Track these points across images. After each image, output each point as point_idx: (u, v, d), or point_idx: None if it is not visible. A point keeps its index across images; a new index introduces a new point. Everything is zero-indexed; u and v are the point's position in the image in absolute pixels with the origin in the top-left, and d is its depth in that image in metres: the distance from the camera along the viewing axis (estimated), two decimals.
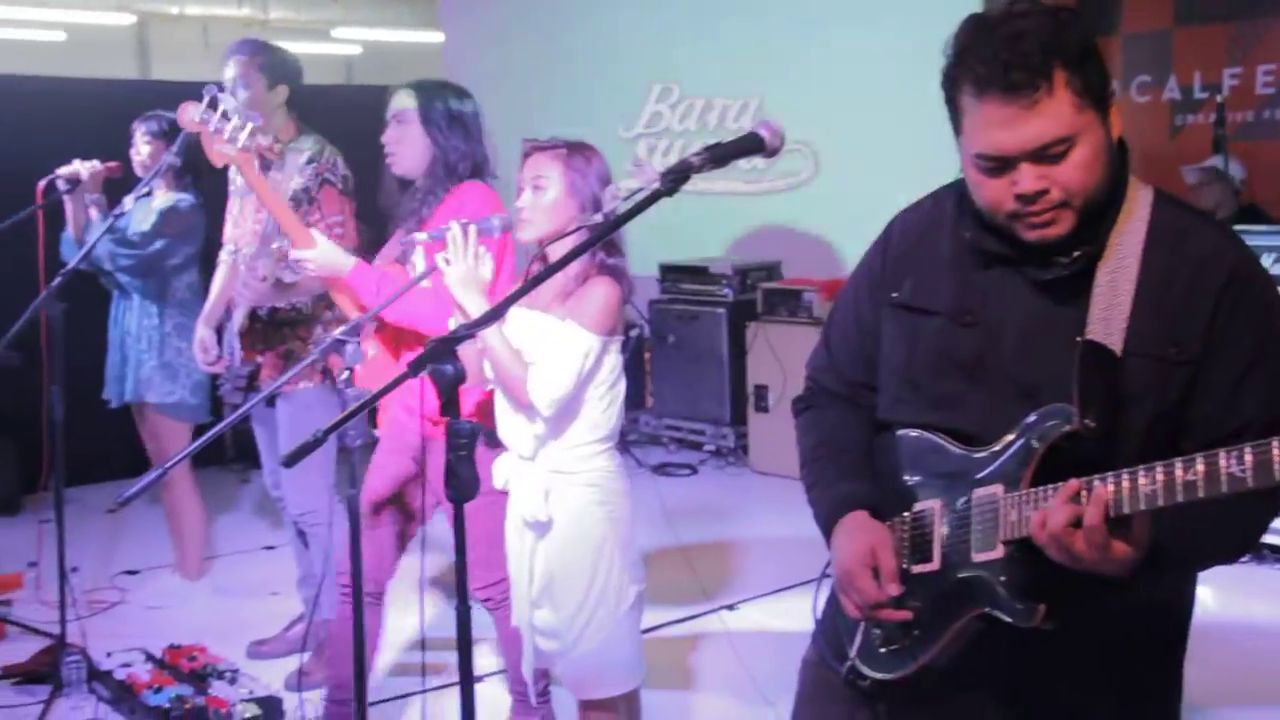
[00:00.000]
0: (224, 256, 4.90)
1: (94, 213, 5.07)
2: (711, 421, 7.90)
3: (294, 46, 11.98)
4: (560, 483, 3.31)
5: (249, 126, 3.71)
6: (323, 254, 3.70)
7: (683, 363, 7.98)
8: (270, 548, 6.17)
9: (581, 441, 3.32)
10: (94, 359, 5.44)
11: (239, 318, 4.61)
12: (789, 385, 7.16)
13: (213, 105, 3.69)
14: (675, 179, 2.14)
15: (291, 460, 2.56)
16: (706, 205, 7.72)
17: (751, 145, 2.18)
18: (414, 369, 2.34)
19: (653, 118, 8.74)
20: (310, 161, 4.56)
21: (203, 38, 12.62)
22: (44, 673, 4.60)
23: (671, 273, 8.11)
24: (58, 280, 4.31)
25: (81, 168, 4.92)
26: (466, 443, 2.35)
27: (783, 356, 7.26)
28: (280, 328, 4.61)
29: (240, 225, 4.75)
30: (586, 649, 3.35)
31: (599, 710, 3.46)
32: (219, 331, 4.83)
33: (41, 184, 4.80)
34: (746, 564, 5.89)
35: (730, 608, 5.28)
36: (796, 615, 5.00)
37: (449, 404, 2.35)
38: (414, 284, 3.40)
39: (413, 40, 12.72)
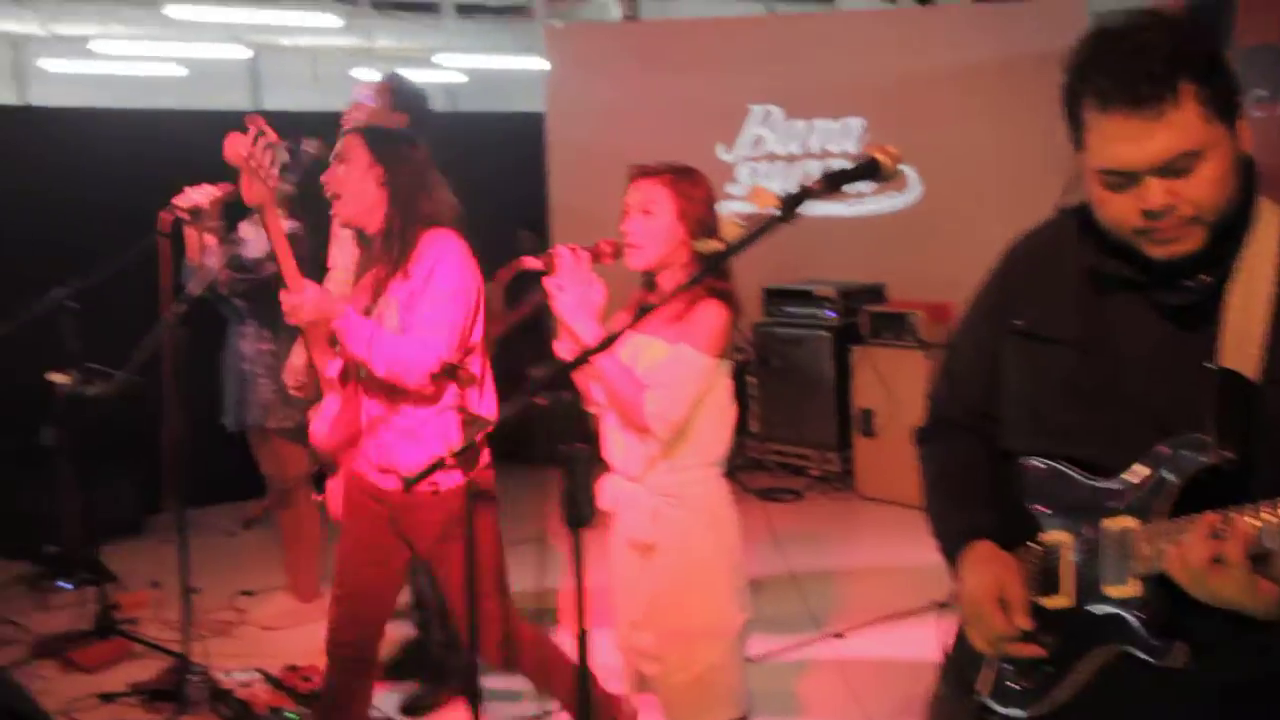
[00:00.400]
0: (336, 282, 4.99)
1: (212, 240, 5.18)
2: (816, 446, 7.86)
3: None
4: (668, 506, 3.30)
5: (279, 164, 3.77)
6: (312, 300, 3.66)
7: (787, 387, 7.94)
8: None
9: (691, 465, 3.31)
10: (210, 383, 5.54)
11: None
12: (895, 409, 7.11)
13: (259, 139, 3.75)
14: (793, 206, 2.13)
15: (412, 483, 2.61)
16: (809, 228, 7.65)
17: (867, 170, 2.16)
18: (532, 394, 2.36)
19: (754, 140, 8.72)
20: None
21: (312, 68, 12.82)
22: (169, 690, 4.69)
23: (775, 296, 8.08)
24: (179, 307, 4.42)
25: (200, 197, 5.04)
26: (584, 469, 2.37)
27: (888, 380, 7.21)
28: None
29: (345, 251, 4.84)
30: (689, 676, 3.33)
31: None
32: None
33: (163, 214, 4.92)
34: (855, 591, 5.84)
35: (839, 635, 5.23)
36: (907, 644, 4.98)
37: (568, 431, 2.37)
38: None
39: (515, 67, 12.82)
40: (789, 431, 7.96)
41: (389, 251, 3.72)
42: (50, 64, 11.91)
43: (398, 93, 4.81)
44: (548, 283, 3.25)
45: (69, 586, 6.04)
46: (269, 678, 4.67)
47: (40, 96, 11.97)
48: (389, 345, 3.58)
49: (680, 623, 3.33)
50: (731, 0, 11.14)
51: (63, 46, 11.41)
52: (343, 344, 3.65)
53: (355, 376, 3.76)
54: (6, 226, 6.90)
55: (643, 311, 2.48)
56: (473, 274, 3.76)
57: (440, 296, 3.65)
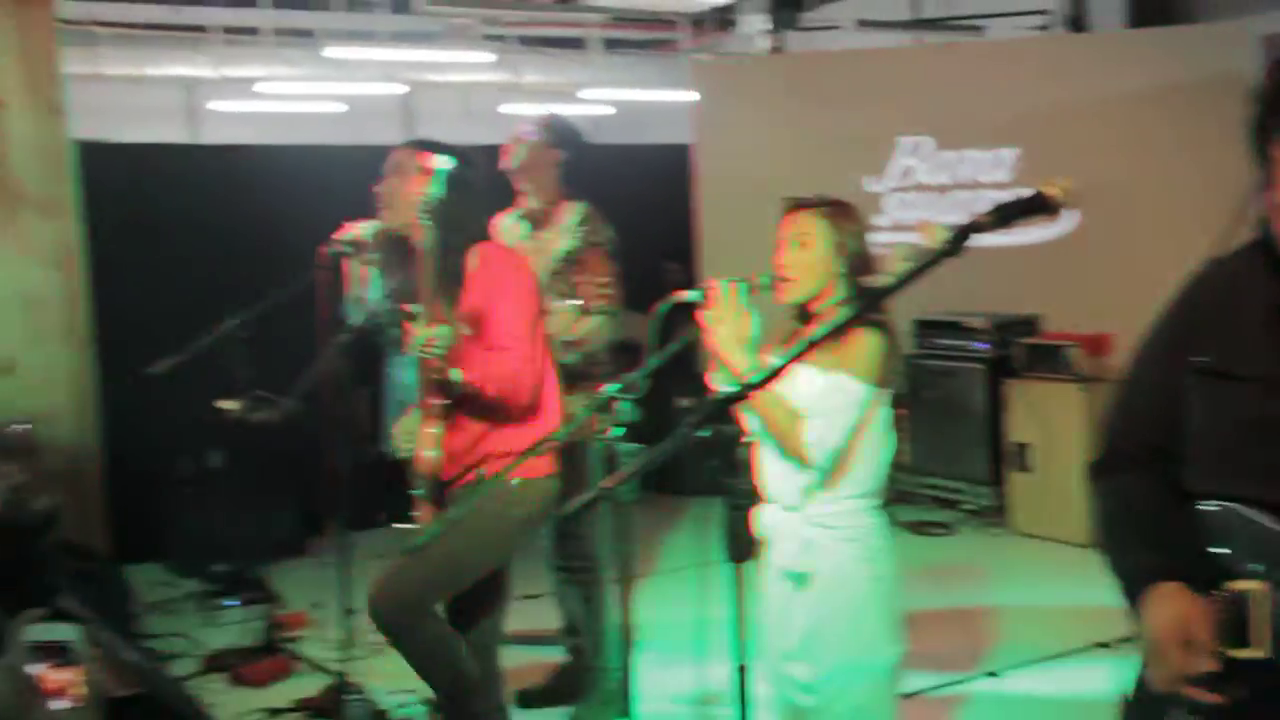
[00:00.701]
0: None
1: (370, 272, 5.31)
2: (969, 480, 7.76)
3: (546, 108, 12.30)
4: (823, 536, 3.28)
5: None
6: (445, 336, 3.73)
7: (938, 419, 7.85)
8: (531, 596, 6.29)
9: (847, 495, 3.29)
10: (370, 411, 5.66)
11: None
12: (1051, 444, 7.00)
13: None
14: (961, 240, 2.12)
15: (573, 514, 2.65)
16: (962, 258, 7.60)
17: (1038, 204, 2.14)
18: (695, 428, 2.37)
19: (903, 172, 8.68)
20: (580, 224, 4.77)
21: (463, 103, 13.08)
22: (330, 708, 4.81)
23: (926, 328, 8.01)
24: (341, 338, 4.55)
25: (358, 230, 5.18)
26: (746, 503, 2.39)
27: (1043, 414, 7.10)
28: None
29: None
30: (842, 708, 3.31)
31: None
32: None
33: (321, 248, 5.07)
34: (1011, 629, 5.72)
35: (994, 674, 5.14)
36: (1065, 685, 4.90)
37: (729, 464, 2.39)
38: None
39: (661, 100, 12.92)
40: (940, 464, 7.87)
41: (440, 265, 3.80)
42: (219, 104, 12.33)
43: (556, 129, 4.95)
44: (703, 315, 3.28)
45: (236, 604, 6.25)
46: (423, 700, 4.75)
47: (210, 135, 12.42)
48: (494, 365, 3.70)
49: (834, 655, 3.31)
50: (879, 32, 11.08)
51: (231, 88, 11.82)
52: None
53: (462, 402, 3.84)
54: (180, 258, 7.16)
55: (807, 344, 2.48)
56: (535, 291, 3.88)
57: (509, 310, 3.77)
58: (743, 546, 2.37)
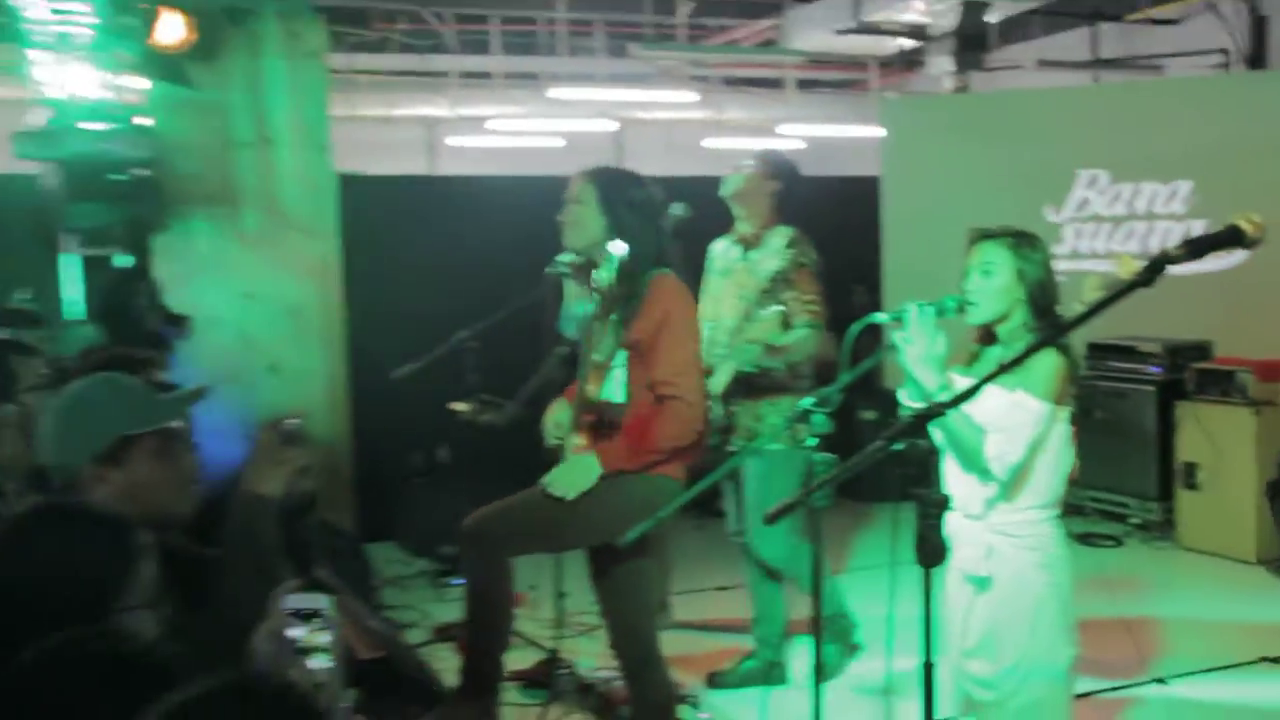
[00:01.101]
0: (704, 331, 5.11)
1: (586, 290, 5.39)
2: (1137, 495, 7.50)
3: (743, 142, 12.32)
4: (1004, 544, 3.25)
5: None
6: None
7: (1108, 437, 7.58)
8: (723, 588, 6.30)
9: (1027, 506, 3.25)
10: None
11: (721, 379, 4.79)
12: (1221, 464, 6.73)
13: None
14: (1155, 271, 2.07)
15: (774, 518, 2.65)
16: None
17: (1231, 238, 2.07)
18: (890, 441, 2.37)
19: (1080, 203, 8.45)
20: (789, 246, 4.82)
21: (667, 138, 13.18)
22: (542, 680, 4.89)
23: (1100, 351, 7.75)
24: (562, 349, 4.63)
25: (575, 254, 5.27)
26: (936, 512, 2.36)
27: (1213, 435, 6.81)
28: (757, 391, 4.77)
29: (720, 302, 4.97)
30: (1020, 704, 3.26)
31: None
32: None
33: (548, 270, 5.16)
34: (1178, 640, 5.49)
35: (1161, 681, 4.96)
36: (1233, 695, 4.71)
37: (921, 475, 2.37)
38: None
39: (851, 135, 12.82)
40: (1109, 479, 7.61)
41: (617, 289, 3.70)
42: (455, 140, 12.66)
43: (773, 163, 5.01)
44: (897, 336, 3.26)
45: (461, 583, 6.37)
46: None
47: (446, 167, 12.76)
48: (665, 419, 3.64)
49: (1012, 654, 3.27)
50: (1058, 70, 10.82)
51: (465, 125, 12.14)
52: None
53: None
54: (421, 276, 7.35)
55: (998, 367, 2.45)
56: (695, 315, 3.82)
57: (678, 342, 3.68)
58: (933, 552, 2.35)
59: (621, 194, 3.78)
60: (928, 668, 2.47)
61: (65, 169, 5.96)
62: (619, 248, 3.64)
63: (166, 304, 6.17)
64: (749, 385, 4.81)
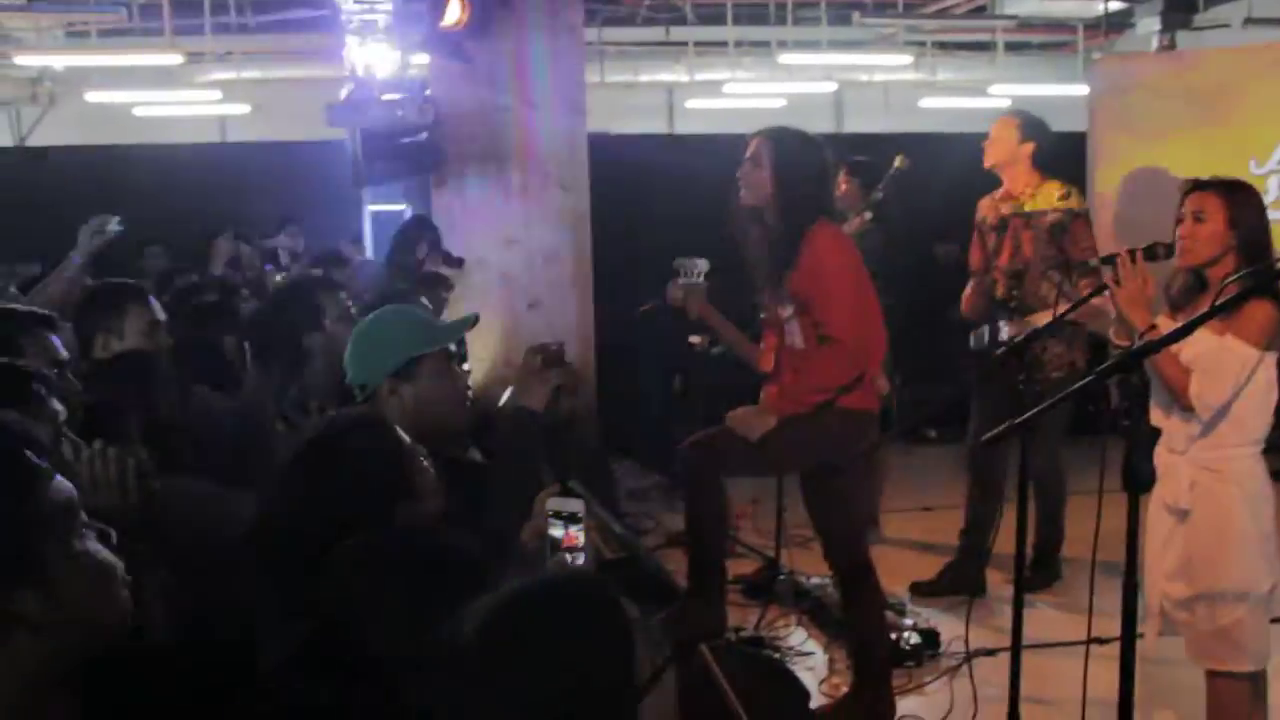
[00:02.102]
0: (971, 281, 5.06)
1: None
2: None
3: (953, 102, 11.85)
4: (1207, 478, 3.10)
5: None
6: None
7: None
8: (927, 509, 6.17)
9: (1231, 443, 3.09)
10: None
11: (1008, 329, 4.67)
12: None
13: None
14: None
15: (992, 441, 2.55)
16: None
17: None
18: (1102, 376, 2.26)
19: None
20: (1062, 198, 4.66)
21: (884, 98, 12.82)
22: (762, 585, 4.90)
23: None
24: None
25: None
26: (1146, 443, 2.24)
27: None
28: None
29: (997, 254, 4.90)
30: (1214, 627, 3.13)
31: (1228, 681, 3.20)
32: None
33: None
34: None
35: None
36: None
37: (1137, 408, 2.25)
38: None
39: (1056, 94, 12.20)
40: None
41: (780, 244, 3.63)
42: (693, 103, 12.62)
43: (1025, 124, 4.81)
44: (1109, 278, 3.12)
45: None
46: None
47: (684, 127, 12.76)
48: (828, 362, 3.54)
49: (1210, 581, 3.14)
50: (1264, 27, 10.05)
51: (701, 89, 12.08)
52: None
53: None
54: (662, 223, 7.37)
55: (1211, 311, 2.30)
56: (852, 256, 3.64)
57: (832, 287, 3.55)
58: (1141, 480, 2.22)
59: (791, 153, 3.65)
60: (1130, 587, 2.35)
61: (364, 135, 6.22)
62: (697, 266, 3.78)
63: (447, 248, 6.38)
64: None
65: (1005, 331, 4.62)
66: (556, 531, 1.91)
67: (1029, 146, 4.79)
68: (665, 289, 3.87)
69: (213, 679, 1.71)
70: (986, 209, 4.99)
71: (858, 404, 3.64)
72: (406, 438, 2.09)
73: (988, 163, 4.87)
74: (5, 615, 1.25)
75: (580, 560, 1.90)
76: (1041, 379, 4.54)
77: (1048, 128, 4.93)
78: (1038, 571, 4.84)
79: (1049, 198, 4.74)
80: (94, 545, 1.38)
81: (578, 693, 1.29)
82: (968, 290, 5.05)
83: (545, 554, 1.93)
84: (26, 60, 10.04)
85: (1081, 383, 2.36)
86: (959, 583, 4.81)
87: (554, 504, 1.94)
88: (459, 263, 6.45)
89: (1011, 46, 12.30)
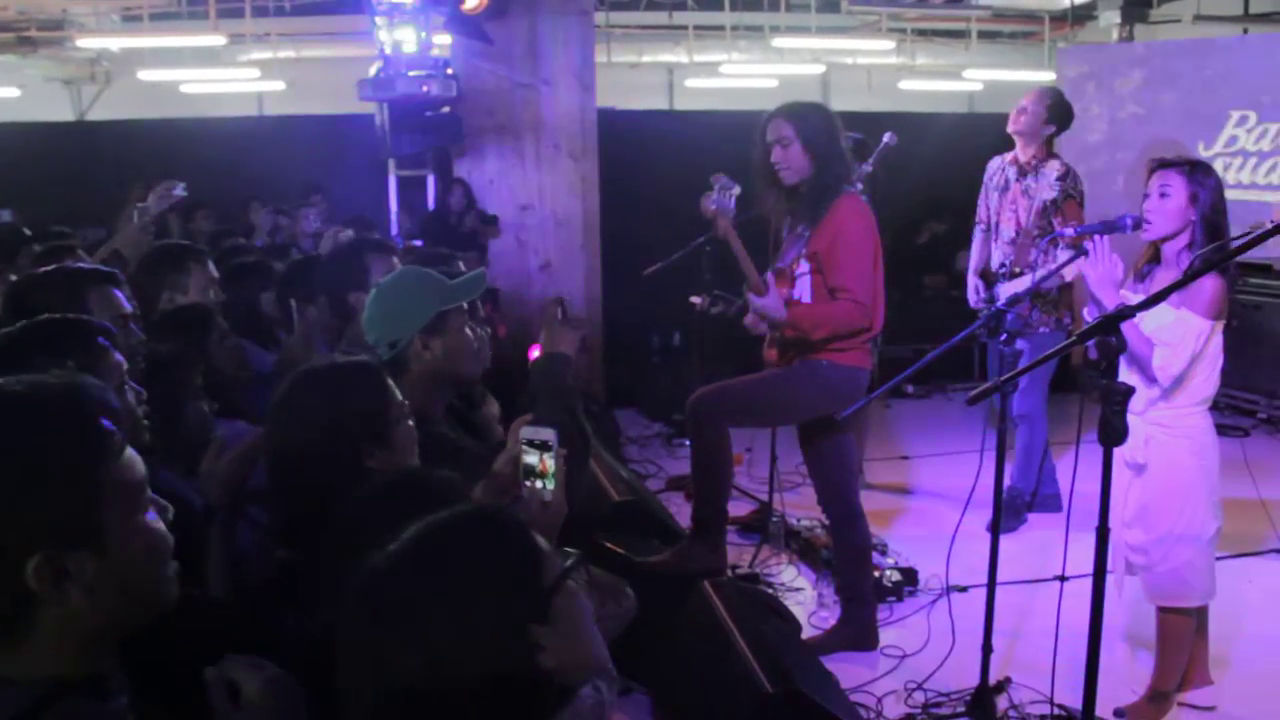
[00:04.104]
0: (977, 232, 5.08)
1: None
2: (1265, 394, 6.96)
3: (930, 85, 11.72)
4: (1160, 434, 3.10)
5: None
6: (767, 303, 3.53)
7: (1242, 343, 7.04)
8: (905, 457, 6.16)
9: (1183, 405, 3.09)
10: None
11: (1016, 286, 4.59)
12: None
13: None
14: None
15: (975, 400, 2.51)
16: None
17: None
18: (1082, 338, 2.23)
19: (1229, 140, 7.75)
20: (1060, 178, 4.62)
21: (867, 79, 12.68)
22: (755, 525, 4.88)
23: (1240, 269, 7.14)
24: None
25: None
26: (1122, 400, 2.20)
27: None
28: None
29: (998, 215, 4.90)
30: (1169, 567, 3.14)
31: (1176, 616, 3.22)
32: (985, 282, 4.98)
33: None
34: None
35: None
36: None
37: (1110, 369, 2.22)
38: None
39: (1025, 79, 12.05)
40: (1241, 380, 7.09)
41: (808, 205, 3.55)
42: (692, 82, 12.47)
43: (1055, 106, 4.75)
44: (1079, 262, 3.06)
45: (688, 443, 6.37)
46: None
47: (682, 104, 12.61)
48: (832, 309, 3.46)
49: (1163, 527, 3.14)
50: (1212, 24, 9.92)
51: (700, 69, 11.94)
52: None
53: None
54: (663, 191, 7.27)
55: (1169, 289, 2.27)
56: (873, 230, 3.55)
57: (851, 253, 3.47)
58: (1115, 434, 2.19)
59: (819, 127, 3.55)
60: (1102, 532, 2.32)
61: (392, 108, 6.13)
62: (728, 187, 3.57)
63: (481, 208, 6.32)
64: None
65: (1003, 293, 4.60)
66: (530, 459, 1.79)
67: (1051, 128, 4.77)
68: (702, 201, 3.65)
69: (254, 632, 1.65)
70: (995, 169, 4.97)
71: (854, 361, 3.59)
72: (397, 393, 2.01)
73: (1012, 128, 4.82)
74: (60, 571, 1.20)
75: (550, 487, 1.77)
76: (1031, 335, 4.62)
77: (1071, 115, 4.91)
78: (1014, 515, 4.83)
79: (1049, 175, 4.70)
80: (153, 520, 1.32)
81: (484, 611, 1.24)
82: (974, 243, 5.06)
83: (518, 480, 1.81)
84: (87, 43, 9.96)
85: (1065, 345, 2.33)
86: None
87: (527, 432, 1.81)
88: (494, 219, 6.40)
89: (984, 35, 12.18)
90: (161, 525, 1.33)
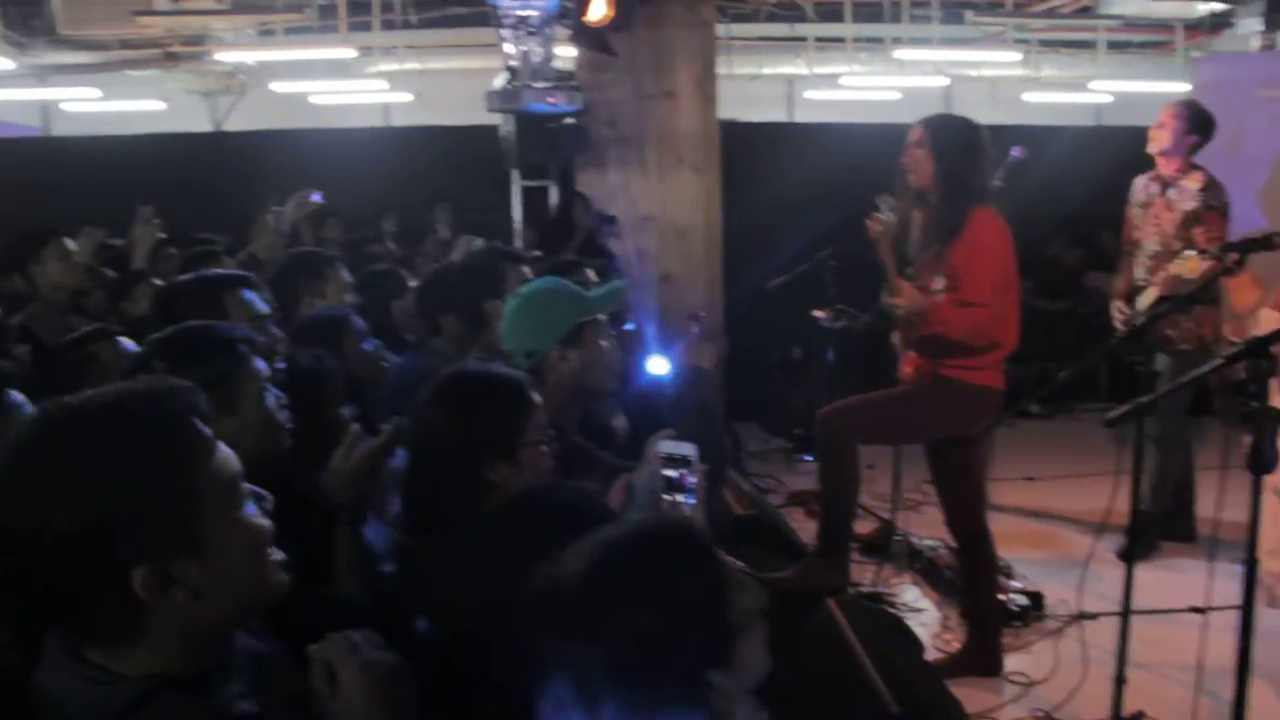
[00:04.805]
0: (1123, 255, 4.92)
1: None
2: None
3: (1056, 97, 11.40)
4: None
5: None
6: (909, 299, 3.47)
7: None
8: (1030, 479, 5.99)
9: None
10: None
11: (1147, 298, 4.54)
12: None
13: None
14: None
15: (1113, 422, 2.44)
16: None
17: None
18: (1231, 360, 2.16)
19: None
20: (1201, 190, 4.50)
21: (991, 92, 12.41)
22: (877, 544, 4.81)
23: None
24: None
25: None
26: (1271, 426, 2.12)
27: None
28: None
29: (1140, 230, 4.76)
30: None
31: None
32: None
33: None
34: None
35: None
36: None
37: (1260, 391, 2.13)
38: None
39: (1155, 90, 11.66)
40: None
41: (941, 222, 3.49)
42: (811, 94, 12.40)
43: (1192, 117, 4.61)
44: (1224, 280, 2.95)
45: (809, 459, 6.34)
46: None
47: (802, 117, 12.53)
48: (965, 318, 3.39)
49: None
50: None
51: (820, 81, 11.86)
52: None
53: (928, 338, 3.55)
54: (785, 204, 7.24)
55: None
56: (1009, 245, 3.48)
57: (986, 266, 3.40)
58: (1265, 461, 2.11)
59: (953, 139, 3.53)
60: (1251, 564, 2.23)
61: (517, 120, 6.25)
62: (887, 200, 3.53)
63: (599, 210, 6.40)
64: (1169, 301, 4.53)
65: (1141, 307, 4.47)
66: (669, 473, 1.79)
67: (1193, 138, 4.62)
68: (869, 214, 3.66)
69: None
70: (1139, 187, 4.83)
71: (987, 381, 3.54)
72: (542, 416, 2.03)
73: (1152, 148, 4.68)
74: (166, 578, 1.21)
75: (690, 502, 1.77)
76: (1172, 352, 4.47)
77: (1212, 125, 4.71)
78: (1148, 541, 4.64)
79: (1191, 187, 4.55)
80: (252, 513, 1.32)
81: (675, 630, 1.24)
82: (1121, 266, 4.94)
83: (656, 495, 1.81)
84: (225, 56, 10.37)
85: (1212, 365, 2.24)
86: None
87: (666, 447, 1.82)
88: (612, 219, 6.46)
89: (1113, 45, 11.83)
90: (261, 516, 1.33)
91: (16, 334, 3.21)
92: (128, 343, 2.61)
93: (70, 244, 4.09)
